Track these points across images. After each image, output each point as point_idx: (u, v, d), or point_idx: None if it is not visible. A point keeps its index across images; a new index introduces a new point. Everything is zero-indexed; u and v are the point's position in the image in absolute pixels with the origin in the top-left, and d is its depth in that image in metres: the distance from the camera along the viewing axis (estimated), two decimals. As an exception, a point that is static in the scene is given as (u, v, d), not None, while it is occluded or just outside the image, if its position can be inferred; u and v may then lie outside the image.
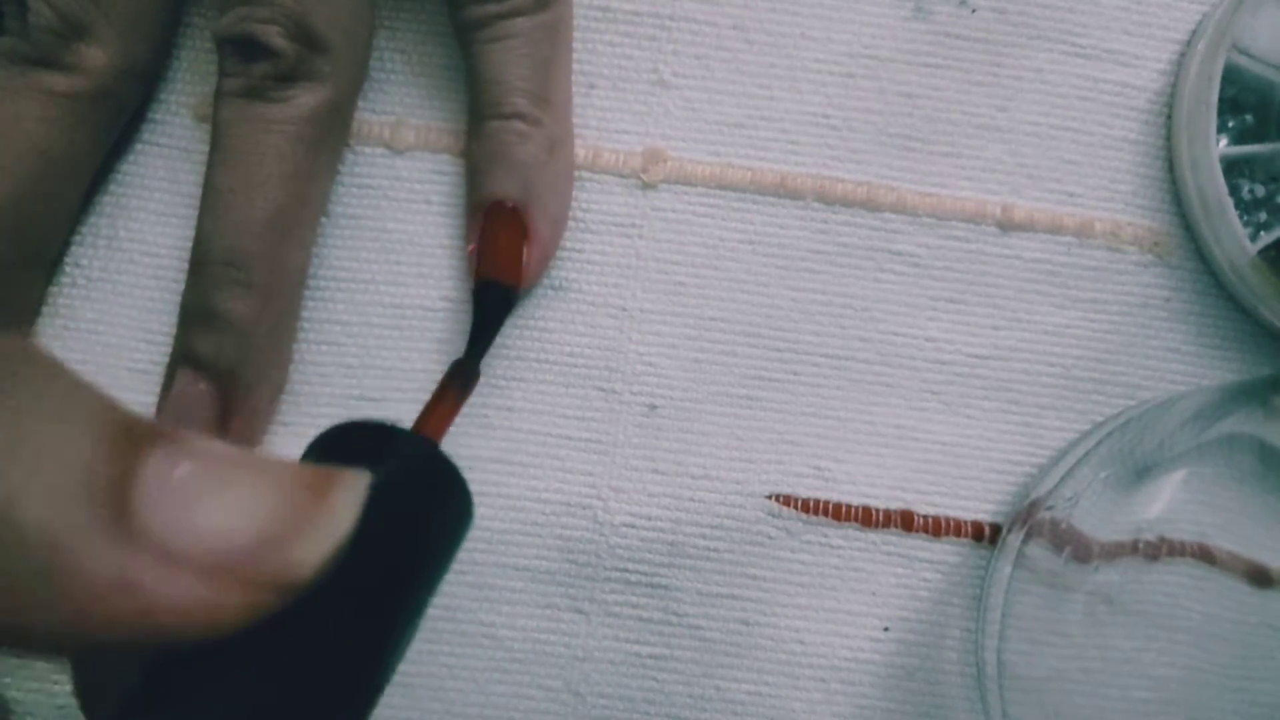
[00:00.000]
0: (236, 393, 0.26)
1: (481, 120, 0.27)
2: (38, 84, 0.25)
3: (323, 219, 0.28)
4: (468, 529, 0.18)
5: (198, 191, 0.26)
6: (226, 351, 0.26)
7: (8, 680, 0.26)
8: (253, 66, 0.25)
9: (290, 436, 0.28)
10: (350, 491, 0.15)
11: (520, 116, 0.26)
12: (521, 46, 0.26)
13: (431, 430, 0.22)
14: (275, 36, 0.24)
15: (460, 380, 0.24)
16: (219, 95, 0.25)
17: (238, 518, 0.13)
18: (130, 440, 0.13)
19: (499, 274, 0.26)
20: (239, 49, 0.25)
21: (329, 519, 0.14)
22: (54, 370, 0.13)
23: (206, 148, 0.26)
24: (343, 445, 0.17)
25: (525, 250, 0.27)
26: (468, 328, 0.26)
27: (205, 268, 0.25)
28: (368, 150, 0.28)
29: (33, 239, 0.26)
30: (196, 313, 0.26)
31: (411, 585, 0.16)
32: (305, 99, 0.25)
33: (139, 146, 0.28)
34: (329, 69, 0.25)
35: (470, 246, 0.27)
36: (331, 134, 0.26)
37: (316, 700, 0.14)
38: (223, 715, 0.13)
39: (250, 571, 0.13)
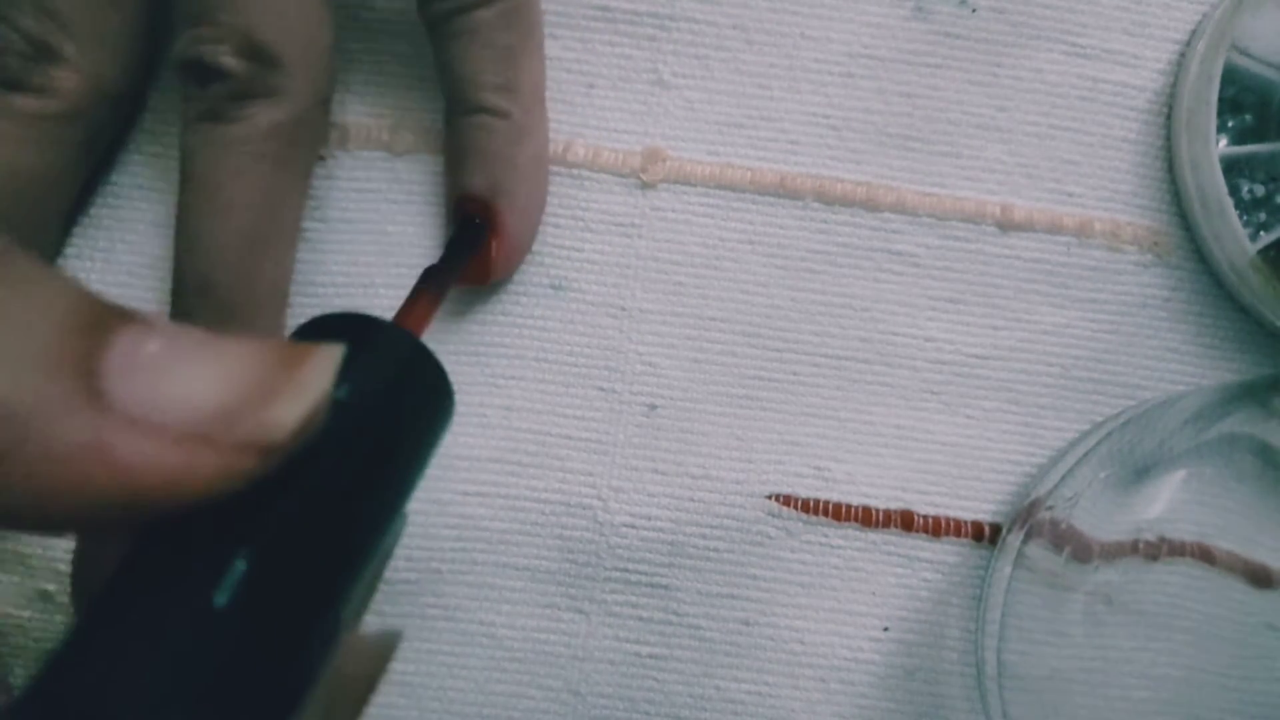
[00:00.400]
0: None
1: (451, 115, 0.27)
2: (8, 106, 0.24)
3: (321, 223, 0.28)
4: (448, 421, 0.18)
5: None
6: None
7: (18, 668, 0.27)
8: (208, 89, 0.24)
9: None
10: (324, 359, 0.15)
11: (485, 110, 0.26)
12: (483, 38, 0.26)
13: (410, 326, 0.22)
14: (224, 56, 0.24)
15: (436, 282, 0.24)
16: (183, 122, 0.25)
17: (209, 384, 0.14)
18: (98, 319, 0.13)
19: (466, 277, 0.27)
20: (193, 73, 0.25)
21: (303, 382, 0.14)
22: (24, 257, 0.13)
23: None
24: (324, 331, 0.17)
25: (493, 244, 0.26)
26: (468, 327, 0.26)
27: (180, 299, 0.25)
28: (367, 153, 0.28)
29: None
30: None
31: (392, 463, 0.16)
32: (263, 116, 0.25)
33: (136, 158, 0.28)
34: (286, 82, 0.25)
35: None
36: (298, 147, 0.26)
37: (301, 569, 0.15)
38: (208, 583, 0.13)
39: (223, 433, 0.13)
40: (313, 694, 0.14)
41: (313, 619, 0.15)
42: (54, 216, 0.27)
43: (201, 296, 0.25)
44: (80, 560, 0.17)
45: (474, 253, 0.26)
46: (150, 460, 0.13)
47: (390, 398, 0.17)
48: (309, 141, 0.26)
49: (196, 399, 0.13)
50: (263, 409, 0.14)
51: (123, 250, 0.28)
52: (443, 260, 0.26)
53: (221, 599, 0.13)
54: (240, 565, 0.14)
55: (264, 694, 0.14)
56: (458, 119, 0.26)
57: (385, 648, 0.16)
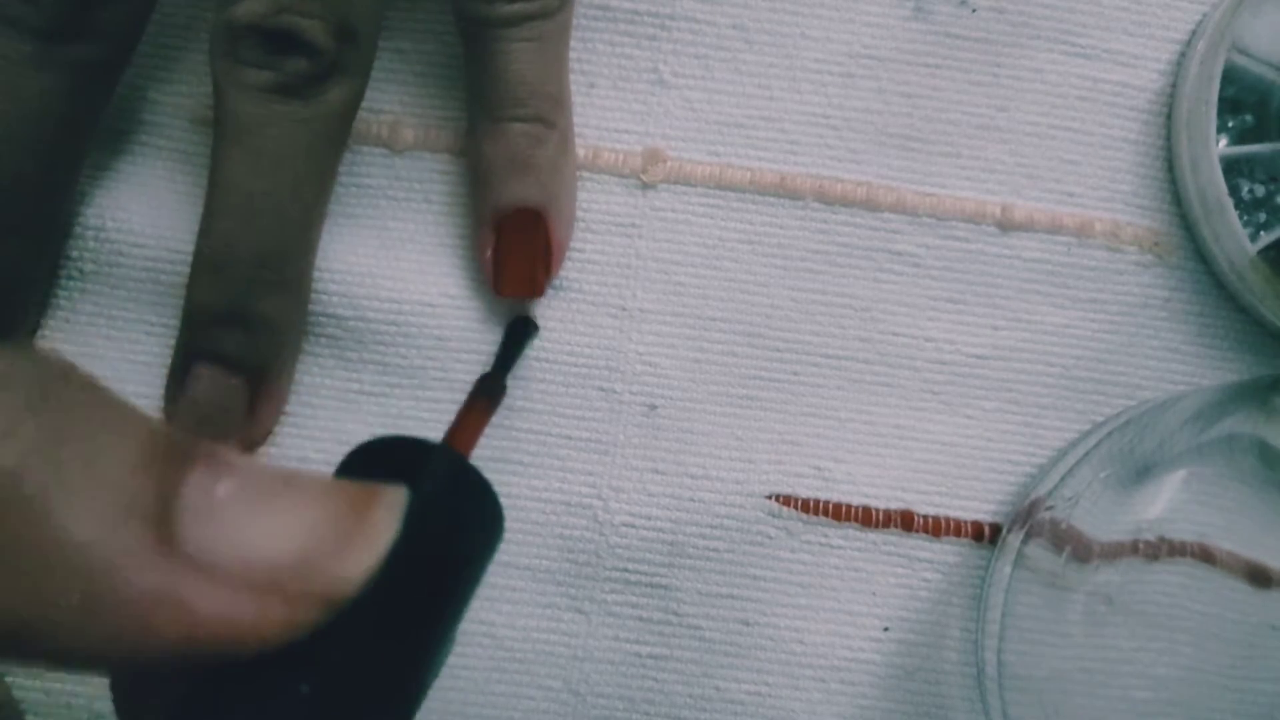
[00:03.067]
0: (265, 385, 0.26)
1: (499, 121, 0.26)
2: (53, 56, 0.24)
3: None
4: (499, 540, 0.18)
5: (192, 190, 0.26)
6: (260, 350, 0.26)
7: (11, 679, 0.26)
8: (285, 61, 0.24)
9: (291, 428, 0.28)
10: (390, 507, 0.15)
11: (541, 120, 0.26)
12: (547, 47, 0.26)
13: (461, 444, 0.22)
14: (320, 33, 0.23)
15: (487, 393, 0.24)
16: (233, 87, 0.24)
17: (281, 534, 0.14)
18: (171, 458, 0.13)
19: (522, 288, 0.27)
20: (270, 41, 0.23)
21: (371, 534, 0.14)
22: (92, 389, 0.13)
23: (201, 148, 0.26)
24: (377, 460, 0.18)
25: (547, 258, 0.27)
26: (467, 324, 0.26)
27: (232, 268, 0.25)
28: (367, 150, 0.28)
29: (34, 212, 0.26)
30: (224, 313, 0.25)
31: (448, 597, 0.17)
32: (336, 95, 0.24)
33: (135, 148, 0.28)
34: (357, 62, 0.24)
35: (486, 253, 0.27)
36: (349, 127, 0.26)
37: (359, 712, 0.15)
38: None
39: (294, 587, 0.14)
40: None
41: None
42: (72, 168, 0.26)
43: (261, 268, 0.25)
44: (123, 692, 0.17)
45: (524, 351, 0.27)
46: (220, 610, 0.13)
47: (446, 526, 0.17)
48: (352, 121, 0.26)
49: (270, 548, 0.13)
50: (335, 561, 0.14)
51: (113, 229, 0.28)
52: (496, 366, 0.26)
53: None
54: (304, 693, 0.14)
55: None
56: (508, 125, 0.26)
57: None
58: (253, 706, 0.14)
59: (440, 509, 0.17)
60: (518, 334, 0.27)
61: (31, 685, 0.26)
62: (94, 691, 0.26)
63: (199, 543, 0.13)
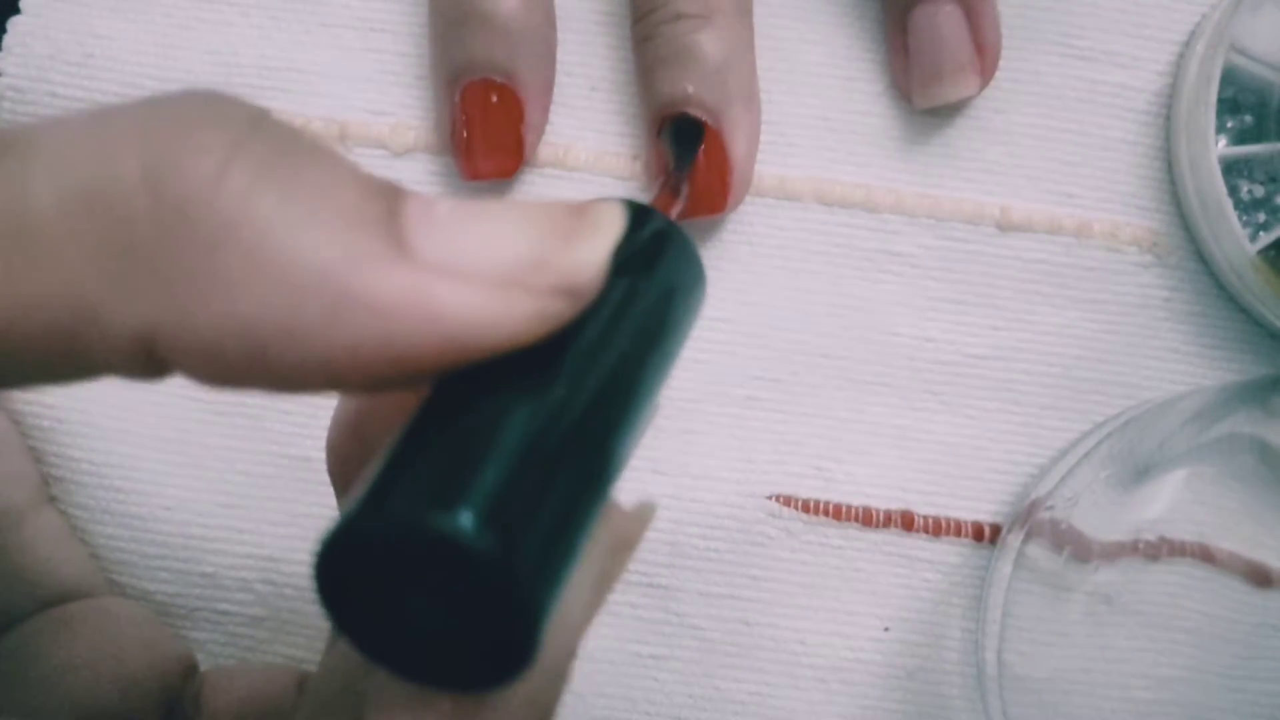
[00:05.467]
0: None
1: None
2: None
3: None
4: (703, 299, 0.18)
5: None
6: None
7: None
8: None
9: (292, 427, 0.28)
10: (611, 206, 0.15)
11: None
12: None
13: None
14: None
15: (672, 181, 0.24)
16: None
17: (510, 234, 0.14)
18: (389, 187, 0.14)
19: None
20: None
21: (597, 226, 0.15)
22: (307, 136, 0.14)
23: None
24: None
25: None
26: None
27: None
28: (366, 151, 0.28)
29: None
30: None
31: (660, 331, 0.16)
32: None
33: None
34: None
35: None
36: None
37: (606, 412, 0.15)
38: (526, 422, 0.13)
39: (534, 276, 0.14)
40: (592, 535, 0.14)
41: (607, 451, 0.15)
42: None
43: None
44: (343, 431, 0.18)
45: (698, 148, 0.26)
46: (469, 306, 0.13)
47: (656, 268, 0.17)
48: None
49: (502, 247, 0.14)
50: (567, 251, 0.14)
51: None
52: (675, 163, 0.25)
53: (536, 417, 0.13)
54: (559, 391, 0.14)
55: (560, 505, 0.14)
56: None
57: (645, 512, 0.16)
58: (505, 401, 0.14)
59: (647, 248, 0.17)
60: (688, 135, 0.26)
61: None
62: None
63: (432, 247, 0.13)
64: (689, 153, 0.26)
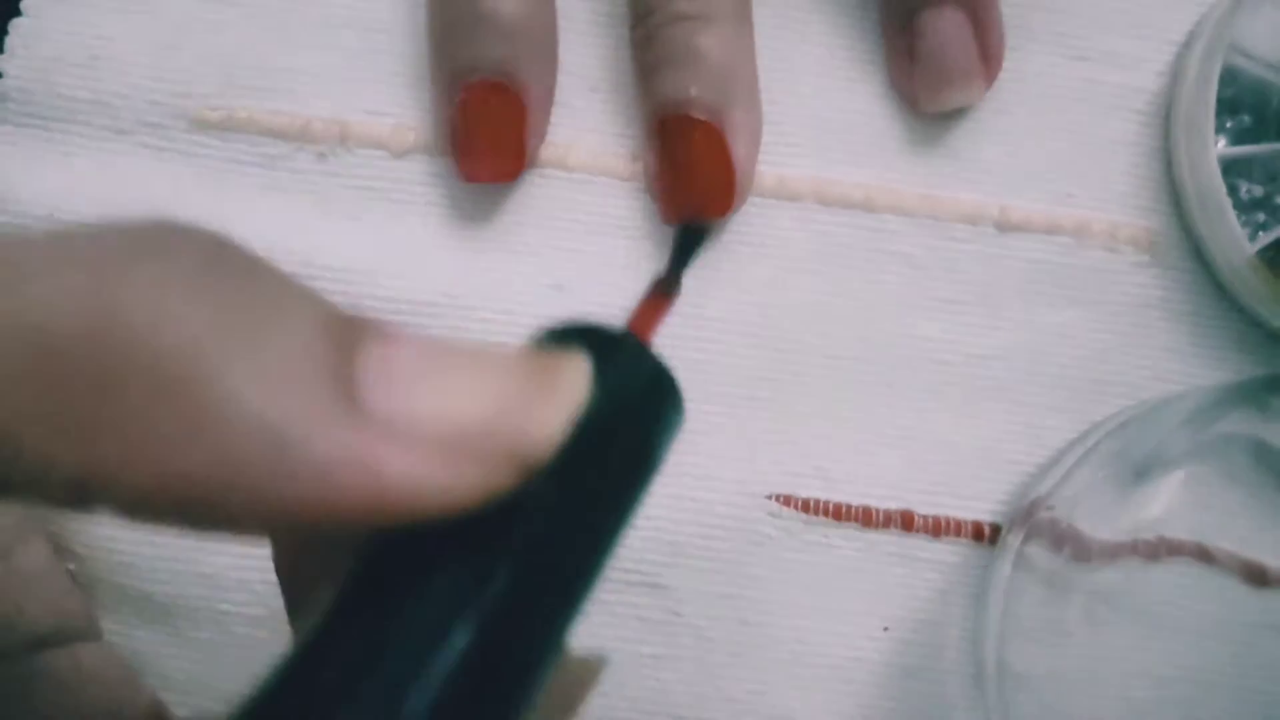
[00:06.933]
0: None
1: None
2: None
3: (322, 219, 0.28)
4: (678, 427, 0.17)
5: (192, 190, 0.26)
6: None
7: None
8: None
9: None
10: (576, 369, 0.14)
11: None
12: None
13: (639, 333, 0.21)
14: None
15: (664, 288, 0.23)
16: None
17: (466, 395, 0.13)
18: (347, 330, 0.13)
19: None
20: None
21: (560, 395, 0.14)
22: (262, 268, 0.13)
23: (201, 148, 0.27)
24: (553, 341, 0.17)
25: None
26: (467, 321, 0.26)
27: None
28: (366, 152, 0.28)
29: None
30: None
31: (628, 479, 0.16)
32: None
33: (136, 149, 0.28)
34: None
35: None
36: None
37: (544, 588, 0.14)
38: (454, 597, 0.13)
39: (486, 446, 0.13)
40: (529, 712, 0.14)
41: (547, 639, 0.14)
42: None
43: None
44: (286, 566, 0.17)
45: (699, 251, 0.26)
46: (413, 472, 0.13)
47: (626, 411, 0.16)
48: None
49: (456, 409, 0.13)
50: (524, 419, 0.13)
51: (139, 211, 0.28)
52: (671, 264, 0.25)
53: (469, 617, 0.13)
54: (499, 581, 0.13)
55: (492, 710, 0.13)
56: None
57: (592, 671, 0.16)
58: (438, 576, 0.13)
59: (622, 385, 0.16)
60: (693, 234, 0.26)
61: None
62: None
63: (383, 404, 0.13)
64: (689, 254, 0.26)
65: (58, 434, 0.12)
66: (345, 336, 0.13)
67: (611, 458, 0.15)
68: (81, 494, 0.12)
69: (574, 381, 0.14)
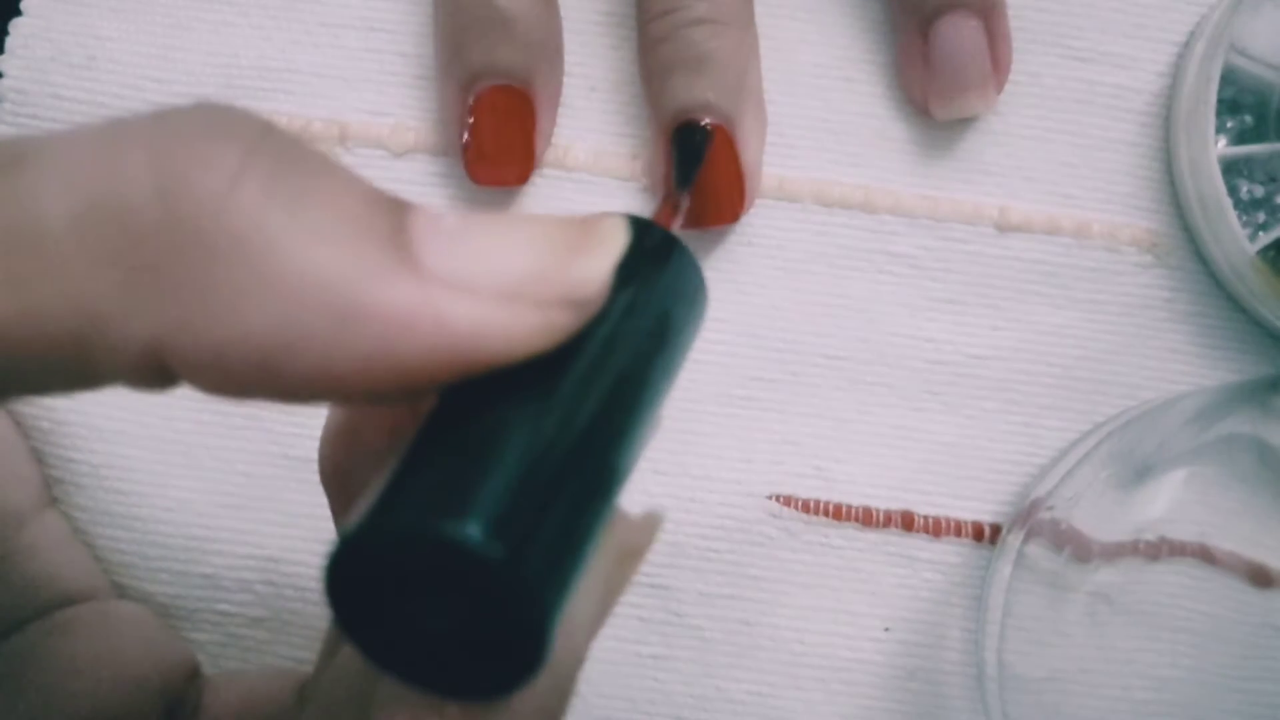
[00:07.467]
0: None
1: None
2: None
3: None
4: (704, 311, 0.18)
5: None
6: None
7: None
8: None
9: (292, 429, 0.28)
10: (614, 222, 0.15)
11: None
12: None
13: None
14: None
15: (672, 194, 0.24)
16: None
17: (517, 248, 0.14)
18: (394, 201, 0.14)
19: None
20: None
21: (603, 239, 0.15)
22: (312, 151, 0.14)
23: None
24: None
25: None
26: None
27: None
28: (366, 152, 0.28)
29: None
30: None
31: (662, 345, 0.17)
32: None
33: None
34: None
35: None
36: None
37: (610, 423, 0.15)
38: (532, 433, 0.14)
39: (540, 289, 0.14)
40: (599, 543, 0.15)
41: (606, 474, 0.15)
42: None
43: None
44: (335, 441, 0.18)
45: (702, 160, 0.26)
46: (475, 318, 0.13)
47: (658, 281, 0.17)
48: None
49: (508, 260, 0.14)
50: (573, 264, 0.14)
51: None
52: (678, 176, 0.25)
53: (545, 425, 0.14)
54: (566, 399, 0.14)
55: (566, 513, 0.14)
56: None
57: (652, 522, 0.17)
58: (505, 417, 0.14)
59: (657, 254, 0.17)
60: (691, 142, 0.26)
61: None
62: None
63: (439, 260, 0.13)
64: (692, 165, 0.26)
65: (136, 304, 0.12)
66: (394, 205, 0.14)
67: (652, 306, 0.16)
68: (160, 365, 0.13)
69: (614, 232, 0.15)
